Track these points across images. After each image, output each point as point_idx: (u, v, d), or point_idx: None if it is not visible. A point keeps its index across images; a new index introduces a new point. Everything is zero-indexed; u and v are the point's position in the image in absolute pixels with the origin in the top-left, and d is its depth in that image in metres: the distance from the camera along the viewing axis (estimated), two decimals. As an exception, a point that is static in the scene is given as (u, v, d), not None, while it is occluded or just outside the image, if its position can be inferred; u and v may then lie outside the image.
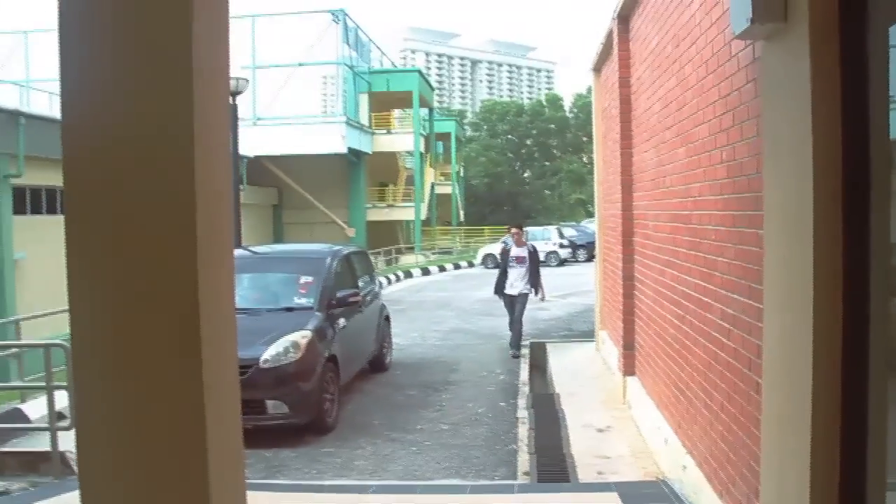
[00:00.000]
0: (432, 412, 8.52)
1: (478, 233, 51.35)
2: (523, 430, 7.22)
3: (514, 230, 12.29)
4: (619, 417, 7.36)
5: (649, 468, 5.92)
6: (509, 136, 74.82)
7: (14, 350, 9.01)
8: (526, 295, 11.95)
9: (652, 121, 6.52)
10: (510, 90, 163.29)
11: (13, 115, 19.88)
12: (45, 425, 6.50)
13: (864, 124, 2.65)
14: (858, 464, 2.65)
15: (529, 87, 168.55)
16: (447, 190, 53.24)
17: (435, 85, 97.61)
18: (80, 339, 2.69)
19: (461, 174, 60.21)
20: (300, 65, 35.05)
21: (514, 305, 11.87)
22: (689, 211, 5.07)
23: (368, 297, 10.36)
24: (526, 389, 8.97)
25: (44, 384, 6.69)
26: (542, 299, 12.57)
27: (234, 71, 17.34)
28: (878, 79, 2.60)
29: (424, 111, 46.70)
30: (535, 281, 11.86)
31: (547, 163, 74.28)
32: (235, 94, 14.82)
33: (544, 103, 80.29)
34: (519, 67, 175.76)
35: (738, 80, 3.90)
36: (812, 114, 2.74)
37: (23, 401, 7.99)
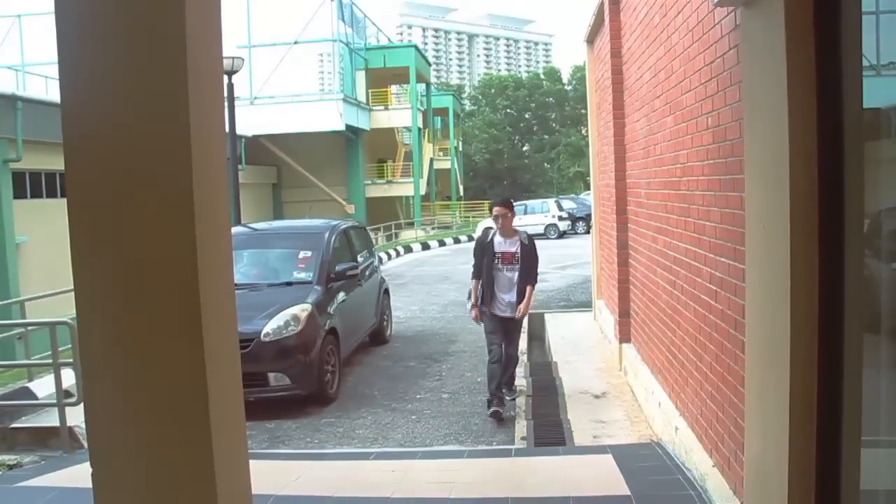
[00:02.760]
0: (432, 382, 8.67)
1: (477, 207, 51.40)
2: (521, 399, 7.35)
3: (497, 211, 7.18)
4: (615, 384, 7.50)
5: (644, 431, 6.05)
6: (508, 111, 74.68)
7: (20, 330, 9.15)
8: (521, 320, 7.41)
9: (642, 90, 6.59)
10: (508, 64, 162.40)
11: (10, 100, 19.88)
12: (53, 402, 6.64)
13: (837, 87, 2.74)
14: (834, 412, 2.77)
15: (527, 60, 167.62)
16: (446, 165, 53.22)
17: (432, 60, 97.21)
18: (86, 316, 2.82)
19: (460, 149, 60.18)
20: (296, 43, 34.95)
21: (506, 334, 7.23)
22: (679, 178, 5.16)
23: (367, 272, 10.48)
24: (524, 359, 9.09)
25: (50, 362, 6.82)
26: (521, 315, 7.25)
27: (230, 50, 17.31)
28: (850, 45, 2.68)
29: (422, 87, 46.59)
30: (522, 286, 7.09)
31: (546, 136, 74.16)
32: (231, 73, 14.85)
33: (542, 76, 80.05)
34: (516, 41, 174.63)
35: (721, 47, 3.98)
36: (787, 77, 2.83)
37: (30, 379, 8.13)
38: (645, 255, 6.80)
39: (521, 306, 7.06)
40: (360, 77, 38.72)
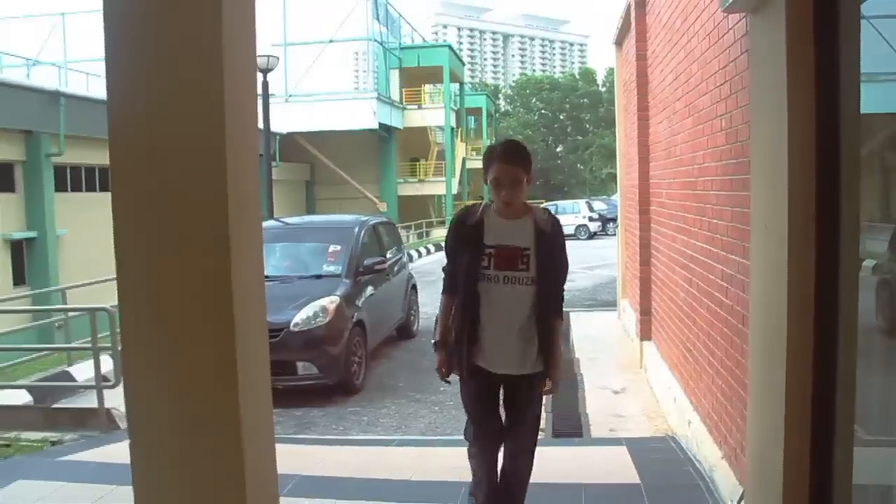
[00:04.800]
0: (455, 375, 8.84)
1: (509, 207, 51.30)
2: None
3: (500, 170, 3.33)
4: (634, 380, 7.63)
5: (660, 426, 6.19)
6: (543, 111, 74.63)
7: (60, 317, 9.52)
8: (539, 388, 3.50)
9: (665, 93, 6.72)
10: (543, 65, 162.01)
11: (54, 96, 20.44)
12: (92, 384, 6.95)
13: (834, 90, 2.89)
14: (828, 408, 2.91)
15: (562, 61, 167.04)
16: (479, 165, 53.31)
17: (467, 60, 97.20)
18: (126, 301, 3.08)
19: (494, 148, 60.08)
20: (331, 41, 35.30)
21: (510, 412, 3.61)
22: (695, 178, 5.30)
23: (396, 267, 10.70)
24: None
25: (90, 346, 7.13)
26: (551, 392, 3.55)
27: (265, 49, 17.68)
28: (849, 51, 2.83)
29: (455, 86, 46.75)
30: (542, 315, 3.40)
31: (580, 137, 74.01)
32: (266, 71, 15.15)
33: (577, 78, 79.87)
34: (551, 41, 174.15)
35: (734, 51, 4.12)
36: (788, 81, 2.98)
37: (70, 364, 8.48)
38: (665, 254, 6.93)
39: (551, 372, 3.45)
40: (395, 76, 39.00)
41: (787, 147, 2.98)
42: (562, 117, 75.76)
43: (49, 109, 20.01)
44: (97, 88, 24.44)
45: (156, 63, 2.97)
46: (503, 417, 3.58)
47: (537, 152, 70.22)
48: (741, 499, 3.69)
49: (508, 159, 3.33)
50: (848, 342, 2.83)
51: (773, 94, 3.14)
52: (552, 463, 5.21)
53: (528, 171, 3.36)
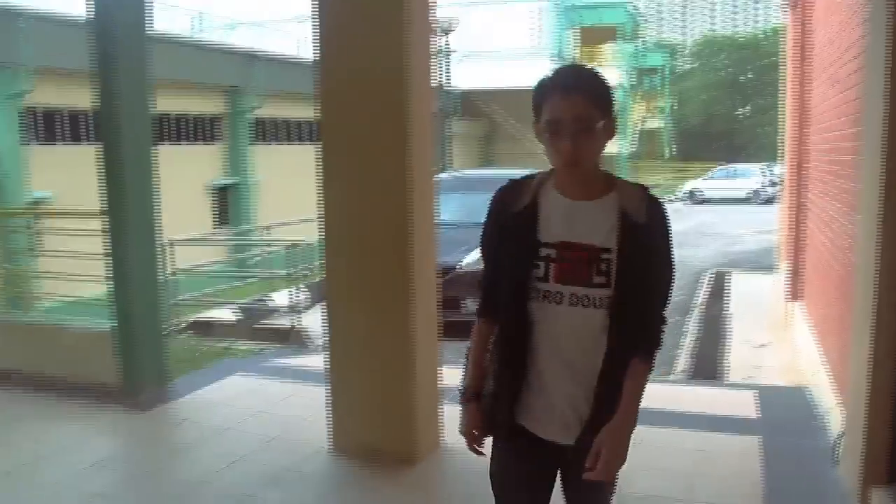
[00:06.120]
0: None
1: (687, 169, 50.12)
2: (688, 341, 7.96)
3: (557, 108, 1.93)
4: (779, 338, 7.92)
5: (794, 379, 6.51)
6: (728, 70, 71.31)
7: (258, 252, 10.99)
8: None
9: (823, 60, 6.90)
10: (732, 21, 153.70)
11: (252, 56, 22.48)
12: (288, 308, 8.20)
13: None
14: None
15: (755, 17, 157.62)
16: (657, 125, 52.24)
17: (651, 16, 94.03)
18: (329, 239, 4.03)
19: (674, 108, 58.58)
20: (507, 1, 35.75)
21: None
22: (838, 143, 5.59)
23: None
24: (699, 310, 9.61)
25: (288, 275, 8.38)
26: (600, 477, 1.97)
27: (446, 10, 18.57)
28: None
29: (634, 44, 45.91)
30: (621, 351, 1.97)
31: (764, 99, 70.18)
32: (447, 32, 15.99)
33: (766, 35, 75.51)
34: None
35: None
36: (886, 43, 3.33)
37: (268, 292, 9.87)
38: (813, 216, 7.16)
39: (609, 441, 1.98)
40: (571, 35, 38.94)
41: (885, 117, 3.36)
42: (746, 78, 71.99)
43: (248, 68, 22.04)
44: (289, 48, 26.46)
45: (351, 29, 3.88)
46: None
47: (718, 113, 67.38)
48: (841, 436, 4.08)
49: (571, 88, 1.94)
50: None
51: (879, 63, 3.48)
52: (680, 395, 5.75)
53: (605, 113, 1.94)
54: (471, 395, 2.16)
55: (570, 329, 1.98)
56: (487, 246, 2.15)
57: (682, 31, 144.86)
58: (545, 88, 2.00)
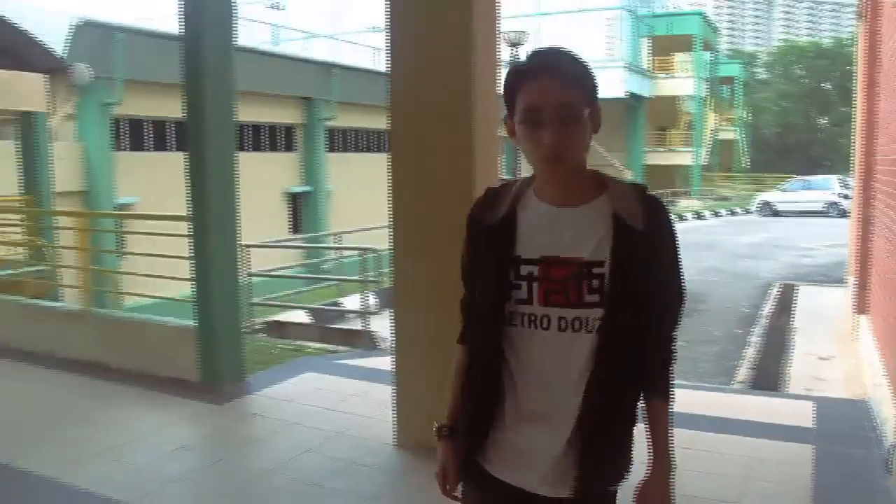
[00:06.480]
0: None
1: (761, 180, 49.11)
2: (751, 352, 8.00)
3: (529, 92, 1.63)
4: (844, 351, 7.88)
5: (856, 391, 6.50)
6: (805, 80, 69.49)
7: (331, 259, 11.40)
8: None
9: (891, 71, 6.89)
10: (809, 30, 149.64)
11: (328, 67, 23.12)
12: (359, 311, 8.54)
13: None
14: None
15: (833, 25, 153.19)
16: (731, 136, 51.41)
17: (726, 25, 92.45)
18: (398, 246, 4.25)
19: (749, 118, 57.49)
20: (582, 10, 35.78)
21: None
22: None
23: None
24: (764, 321, 9.60)
25: (359, 278, 8.74)
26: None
27: (518, 20, 18.75)
28: None
29: (708, 54, 45.36)
30: (622, 387, 1.67)
31: (846, 108, 68.12)
32: (515, 45, 16.24)
33: (845, 44, 73.35)
34: (820, 3, 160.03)
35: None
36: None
37: (340, 296, 10.24)
38: (880, 230, 7.13)
39: (650, 488, 1.73)
40: (645, 44, 38.74)
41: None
42: (827, 86, 70.02)
43: (322, 79, 22.66)
44: (365, 59, 27.08)
45: (422, 41, 4.12)
46: None
47: (795, 124, 65.70)
48: (894, 446, 4.15)
49: (552, 71, 1.63)
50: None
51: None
52: (736, 403, 5.84)
53: (591, 101, 1.66)
54: (444, 432, 1.91)
55: (557, 358, 1.66)
56: (462, 266, 1.90)
57: (758, 40, 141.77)
58: (520, 74, 1.67)
